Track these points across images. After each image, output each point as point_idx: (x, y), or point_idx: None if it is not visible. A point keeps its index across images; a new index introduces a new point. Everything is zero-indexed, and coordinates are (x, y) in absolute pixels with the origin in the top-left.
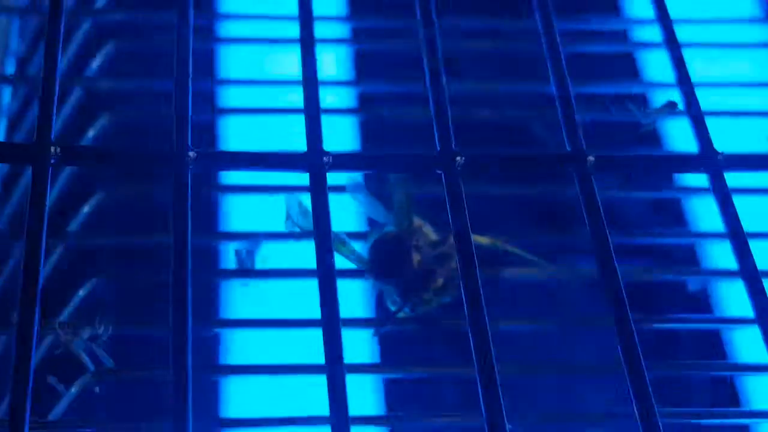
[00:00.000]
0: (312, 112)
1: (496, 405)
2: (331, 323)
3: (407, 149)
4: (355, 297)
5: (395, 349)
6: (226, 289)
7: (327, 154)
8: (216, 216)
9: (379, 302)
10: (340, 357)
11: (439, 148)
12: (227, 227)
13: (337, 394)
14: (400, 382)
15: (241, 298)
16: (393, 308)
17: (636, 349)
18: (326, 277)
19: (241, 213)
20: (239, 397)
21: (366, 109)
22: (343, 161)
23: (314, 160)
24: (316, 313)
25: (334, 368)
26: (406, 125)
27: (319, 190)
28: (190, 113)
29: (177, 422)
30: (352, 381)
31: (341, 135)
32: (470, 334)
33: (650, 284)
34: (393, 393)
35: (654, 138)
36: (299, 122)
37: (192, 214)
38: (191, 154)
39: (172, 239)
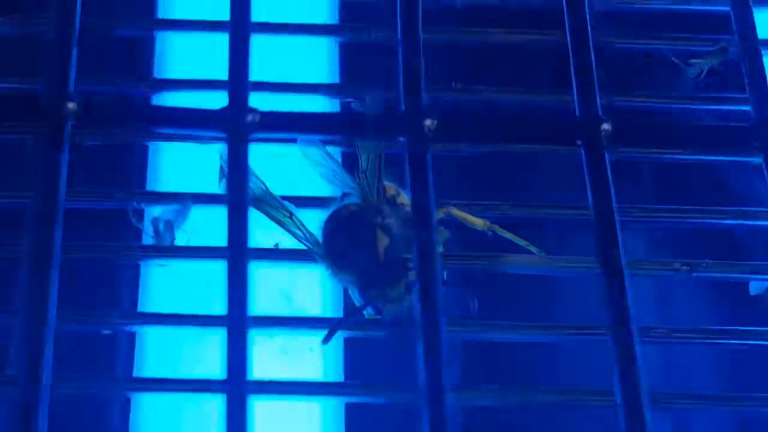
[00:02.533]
0: (237, 42)
1: None
2: (235, 324)
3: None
4: (314, 289)
5: (362, 361)
6: (136, 273)
7: (252, 111)
8: (124, 171)
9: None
10: (242, 372)
11: (403, 108)
12: (140, 186)
13: (234, 423)
14: (361, 407)
15: (157, 284)
16: (358, 305)
17: (635, 369)
18: (235, 268)
19: (161, 167)
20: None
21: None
22: (273, 121)
23: (233, 119)
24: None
25: (233, 387)
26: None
27: (236, 159)
28: (75, 37)
29: None
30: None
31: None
32: (420, 346)
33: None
34: (355, 420)
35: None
36: None
37: (91, 170)
38: (70, 105)
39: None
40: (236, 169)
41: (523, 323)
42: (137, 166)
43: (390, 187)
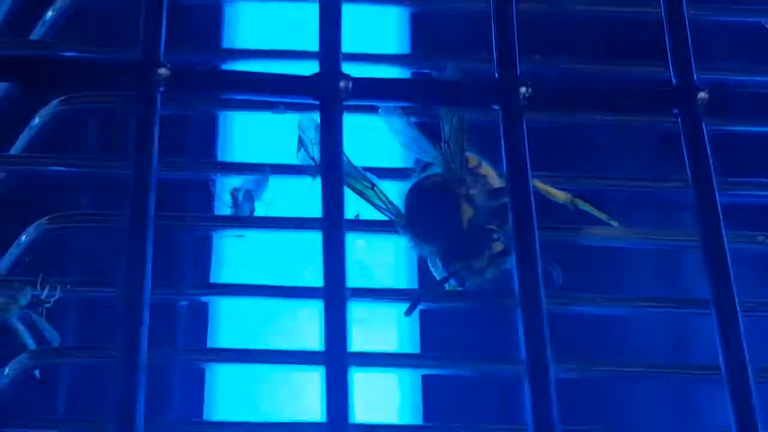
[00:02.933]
0: (328, 9)
1: (546, 417)
2: (333, 296)
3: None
4: (392, 260)
5: (438, 334)
6: (215, 242)
7: (345, 77)
8: (204, 142)
9: (426, 268)
10: (343, 343)
11: (497, 75)
12: (219, 157)
13: (336, 395)
14: (441, 380)
15: (235, 255)
16: (438, 277)
17: (742, 353)
18: (331, 238)
19: (239, 138)
20: (224, 389)
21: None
22: (366, 88)
23: (327, 87)
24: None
25: (334, 359)
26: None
27: (331, 126)
28: (165, 4)
29: (120, 427)
30: (368, 376)
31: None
32: (520, 319)
33: None
34: (433, 393)
35: None
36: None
37: (173, 139)
38: (162, 71)
39: (131, 180)
40: (330, 136)
41: (618, 297)
42: (207, 137)
43: (472, 158)
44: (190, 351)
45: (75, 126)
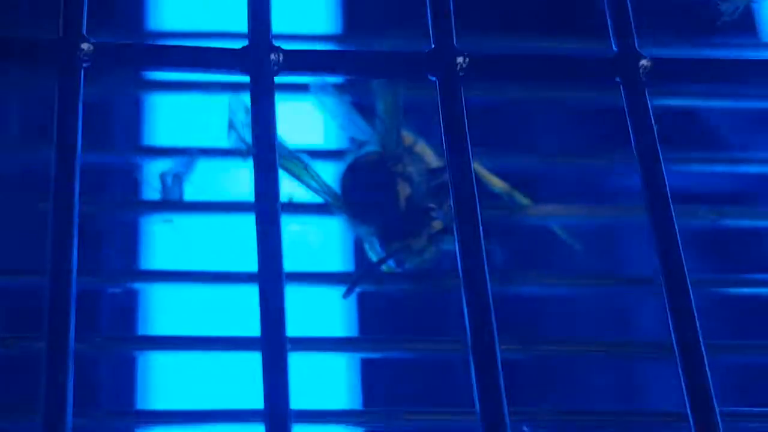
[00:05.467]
0: None
1: (493, 398)
2: (270, 278)
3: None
4: (327, 242)
5: (377, 318)
6: (143, 227)
7: (276, 49)
8: (132, 125)
9: (361, 250)
10: (280, 326)
11: (433, 45)
12: (147, 140)
13: (274, 379)
14: (379, 363)
15: (164, 240)
16: (374, 259)
17: (693, 324)
18: (267, 217)
19: (168, 120)
20: (159, 378)
21: None
22: (298, 60)
23: (257, 59)
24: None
25: (272, 342)
26: None
27: (263, 100)
28: None
29: (48, 415)
30: (307, 360)
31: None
32: (465, 299)
33: (730, 232)
34: (371, 377)
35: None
36: None
37: (98, 122)
38: (85, 46)
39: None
40: (262, 111)
41: (561, 275)
42: (131, 123)
43: (407, 136)
44: (123, 339)
45: None
